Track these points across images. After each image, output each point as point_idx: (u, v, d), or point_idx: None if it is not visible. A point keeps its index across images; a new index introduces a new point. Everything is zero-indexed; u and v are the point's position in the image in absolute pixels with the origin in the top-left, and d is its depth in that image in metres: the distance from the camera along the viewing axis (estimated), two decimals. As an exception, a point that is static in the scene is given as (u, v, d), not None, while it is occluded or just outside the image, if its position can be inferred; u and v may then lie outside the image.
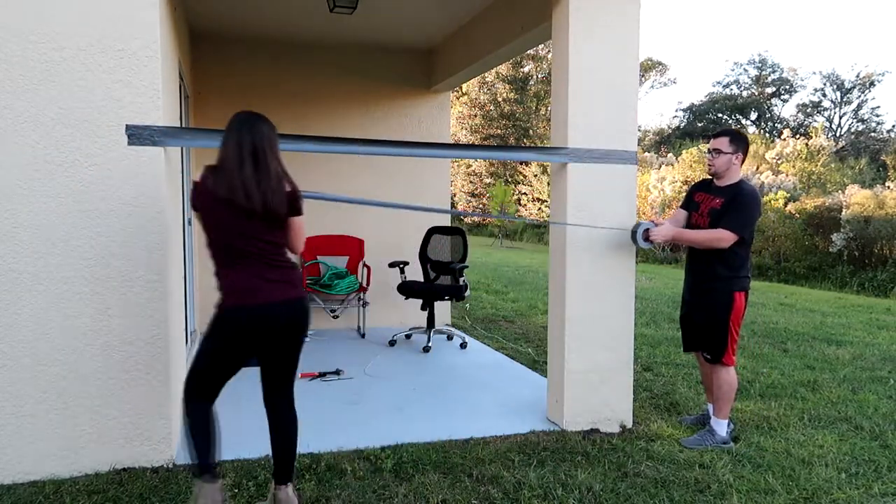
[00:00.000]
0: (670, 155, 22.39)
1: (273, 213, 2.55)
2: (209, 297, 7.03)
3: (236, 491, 2.99)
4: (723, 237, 3.58)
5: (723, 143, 3.71)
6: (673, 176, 18.17)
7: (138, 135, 3.13)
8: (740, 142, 3.72)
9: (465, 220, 28.14)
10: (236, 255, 2.57)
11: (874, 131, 30.67)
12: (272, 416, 2.76)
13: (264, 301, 2.57)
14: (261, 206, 2.51)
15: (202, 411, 2.63)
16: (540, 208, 23.95)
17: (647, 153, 23.99)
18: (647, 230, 3.79)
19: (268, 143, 2.58)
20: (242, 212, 2.51)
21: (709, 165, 3.79)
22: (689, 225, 3.85)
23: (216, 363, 2.63)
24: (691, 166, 18.46)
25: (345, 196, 3.80)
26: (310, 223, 6.69)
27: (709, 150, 3.78)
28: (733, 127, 33.10)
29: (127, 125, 3.12)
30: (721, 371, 3.76)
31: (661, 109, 58.71)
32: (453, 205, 27.50)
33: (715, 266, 3.68)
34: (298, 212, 2.65)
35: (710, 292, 3.72)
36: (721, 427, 3.77)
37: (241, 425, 3.85)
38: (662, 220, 3.93)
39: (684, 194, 4.11)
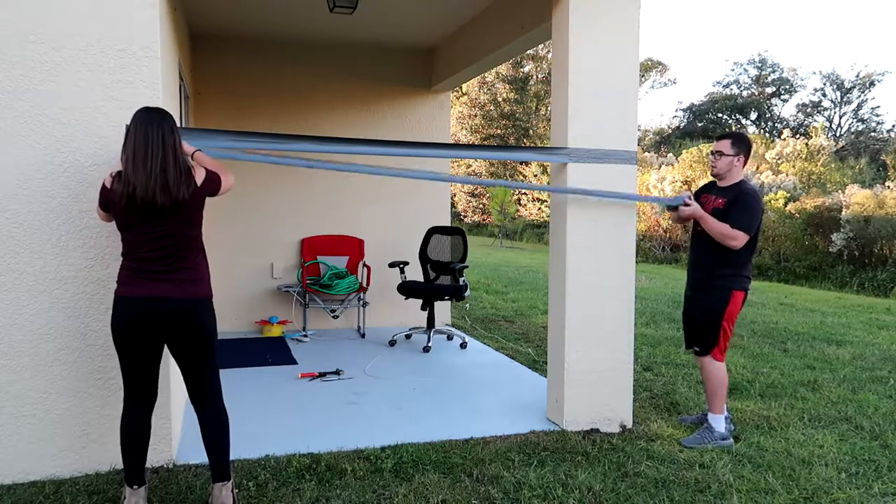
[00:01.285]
0: (670, 155, 22.39)
1: (177, 208, 2.60)
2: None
3: (236, 491, 2.99)
4: (736, 236, 3.62)
5: (725, 145, 3.78)
6: (673, 176, 18.16)
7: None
8: (742, 144, 3.79)
9: (466, 219, 28.15)
10: (134, 248, 2.65)
11: (874, 131, 30.65)
12: (198, 416, 2.81)
13: (146, 294, 2.63)
14: (162, 201, 2.55)
15: (130, 416, 2.75)
16: (540, 208, 23.94)
17: (647, 153, 23.98)
18: (683, 201, 3.83)
19: (168, 138, 2.59)
20: (143, 209, 2.56)
21: (711, 167, 3.86)
22: (694, 227, 3.90)
23: (121, 357, 2.72)
24: (691, 166, 18.45)
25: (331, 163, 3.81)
26: (310, 223, 6.75)
27: (711, 152, 3.85)
28: (733, 127, 33.17)
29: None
30: (708, 364, 3.80)
31: (661, 109, 58.72)
32: (453, 205, 27.51)
33: (716, 264, 3.73)
34: (216, 189, 2.79)
35: (710, 289, 3.77)
36: (718, 422, 3.78)
37: (241, 426, 3.85)
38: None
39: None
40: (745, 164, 3.80)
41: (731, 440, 3.76)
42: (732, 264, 3.70)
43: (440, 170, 7.03)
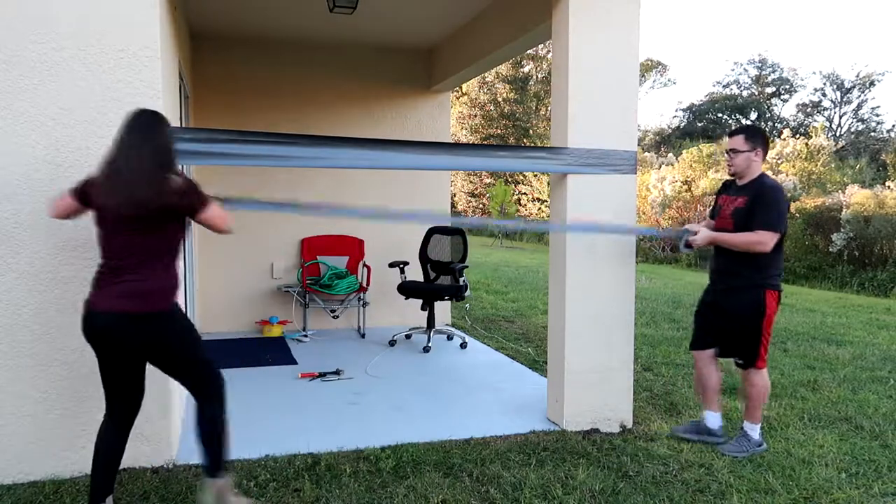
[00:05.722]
0: (670, 155, 22.38)
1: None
2: (209, 297, 7.02)
3: (236, 491, 2.99)
4: (762, 239, 3.41)
5: (738, 142, 3.58)
6: (673, 176, 18.13)
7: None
8: (757, 137, 3.59)
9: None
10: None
11: (874, 131, 30.64)
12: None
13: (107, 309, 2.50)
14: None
15: (101, 431, 2.67)
16: (540, 208, 23.94)
17: (647, 153, 23.98)
18: (687, 239, 3.68)
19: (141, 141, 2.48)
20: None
21: (728, 166, 3.67)
22: (715, 230, 3.69)
23: (103, 375, 2.62)
24: (691, 166, 18.42)
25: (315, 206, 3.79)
26: (310, 223, 6.75)
27: (726, 150, 3.66)
28: (733, 127, 33.13)
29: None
30: (754, 375, 3.63)
31: (661, 109, 58.62)
32: (453, 205, 27.51)
33: (743, 267, 3.55)
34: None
35: (740, 295, 3.58)
36: (755, 431, 3.67)
37: (241, 426, 3.85)
38: (700, 225, 3.76)
39: (712, 201, 3.88)
40: (763, 157, 3.58)
41: (766, 445, 3.69)
42: (761, 263, 3.49)
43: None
